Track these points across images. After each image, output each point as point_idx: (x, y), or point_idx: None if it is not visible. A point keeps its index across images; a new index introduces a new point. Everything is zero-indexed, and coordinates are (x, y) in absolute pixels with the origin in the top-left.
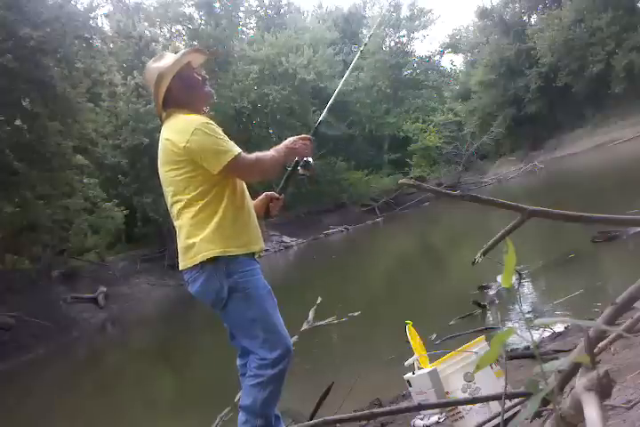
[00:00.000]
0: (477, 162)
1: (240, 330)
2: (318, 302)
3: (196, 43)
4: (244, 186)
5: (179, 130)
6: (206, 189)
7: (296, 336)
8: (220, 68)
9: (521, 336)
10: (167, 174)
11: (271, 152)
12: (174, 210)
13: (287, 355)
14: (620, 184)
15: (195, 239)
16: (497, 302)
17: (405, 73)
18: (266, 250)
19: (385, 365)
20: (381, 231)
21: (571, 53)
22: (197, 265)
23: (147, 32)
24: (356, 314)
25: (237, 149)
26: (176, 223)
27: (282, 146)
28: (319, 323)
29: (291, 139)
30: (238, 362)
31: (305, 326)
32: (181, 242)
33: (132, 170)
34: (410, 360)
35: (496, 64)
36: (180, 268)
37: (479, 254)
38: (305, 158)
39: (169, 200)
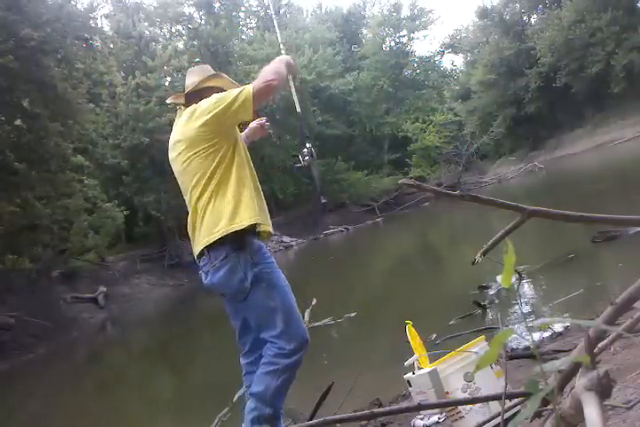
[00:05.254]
0: (477, 162)
1: (260, 320)
2: (313, 303)
3: (195, 43)
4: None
5: (201, 111)
6: (216, 176)
7: None
8: (221, 68)
9: (521, 336)
10: (186, 161)
11: (273, 64)
12: (194, 194)
13: (304, 347)
14: (620, 184)
15: (221, 218)
16: (497, 301)
17: (406, 73)
18: None
19: (385, 365)
20: (381, 231)
21: (571, 53)
22: (221, 254)
23: (147, 32)
24: (353, 315)
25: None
26: (195, 208)
27: (283, 59)
28: (316, 324)
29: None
30: (242, 361)
31: None
32: (205, 224)
33: (133, 170)
34: (410, 360)
35: (496, 64)
36: (203, 245)
37: (479, 254)
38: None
39: (189, 186)
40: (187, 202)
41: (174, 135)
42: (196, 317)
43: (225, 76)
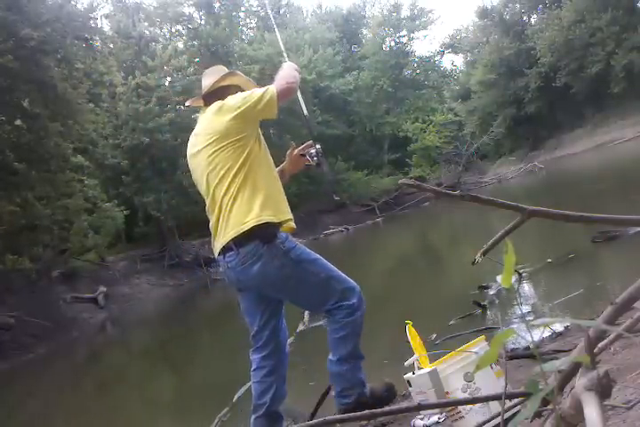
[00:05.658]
0: (477, 162)
1: (318, 294)
2: None
3: (195, 43)
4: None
5: (229, 106)
6: (244, 170)
7: (292, 337)
8: None
9: (521, 336)
10: (214, 153)
11: (287, 70)
12: (219, 189)
13: (361, 297)
14: (620, 184)
15: (250, 210)
16: (497, 302)
17: (406, 73)
18: None
19: (385, 365)
20: (381, 231)
21: (571, 53)
22: (252, 250)
23: (147, 32)
24: None
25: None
26: (220, 204)
27: (291, 65)
28: (315, 324)
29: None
30: (254, 355)
31: (301, 327)
32: (232, 218)
33: (133, 170)
34: (410, 360)
35: (496, 64)
36: (231, 237)
37: (479, 254)
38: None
39: (214, 180)
40: (208, 198)
41: (199, 130)
42: (195, 317)
43: (239, 73)
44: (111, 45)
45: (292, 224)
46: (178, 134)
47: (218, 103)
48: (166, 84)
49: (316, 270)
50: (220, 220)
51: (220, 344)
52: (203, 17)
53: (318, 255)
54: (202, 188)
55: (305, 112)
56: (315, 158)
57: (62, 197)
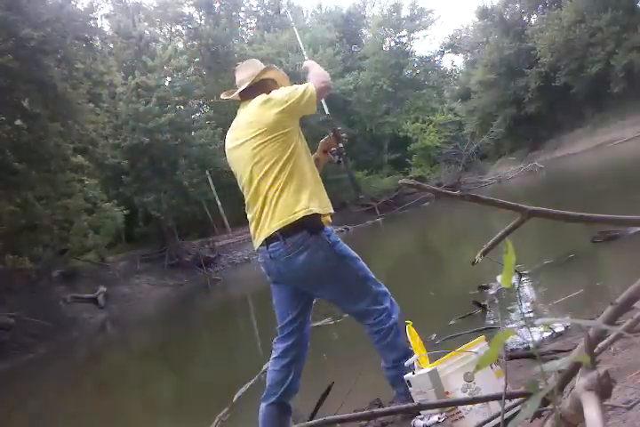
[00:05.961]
0: (477, 162)
1: (353, 292)
2: (313, 302)
3: (195, 43)
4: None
5: (277, 100)
6: (290, 163)
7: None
8: (221, 68)
9: (521, 336)
10: (260, 146)
11: (317, 68)
12: (264, 181)
13: (394, 302)
14: (620, 184)
15: (298, 201)
16: (497, 302)
17: (406, 73)
18: None
19: None
20: (381, 231)
21: (571, 53)
22: (299, 240)
23: (147, 32)
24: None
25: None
26: (265, 195)
27: (315, 64)
28: (315, 324)
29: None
30: (278, 344)
31: None
32: (279, 209)
33: (133, 170)
34: (410, 360)
35: (496, 64)
36: (280, 226)
37: (479, 254)
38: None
39: (259, 173)
40: (251, 190)
41: (241, 123)
42: (195, 316)
43: (276, 67)
44: (111, 45)
45: (329, 218)
46: (178, 134)
47: (263, 96)
48: (166, 84)
49: (356, 268)
50: (266, 210)
51: (220, 344)
52: (203, 17)
53: (357, 255)
54: (243, 179)
55: (326, 111)
56: (336, 156)
57: (62, 197)
